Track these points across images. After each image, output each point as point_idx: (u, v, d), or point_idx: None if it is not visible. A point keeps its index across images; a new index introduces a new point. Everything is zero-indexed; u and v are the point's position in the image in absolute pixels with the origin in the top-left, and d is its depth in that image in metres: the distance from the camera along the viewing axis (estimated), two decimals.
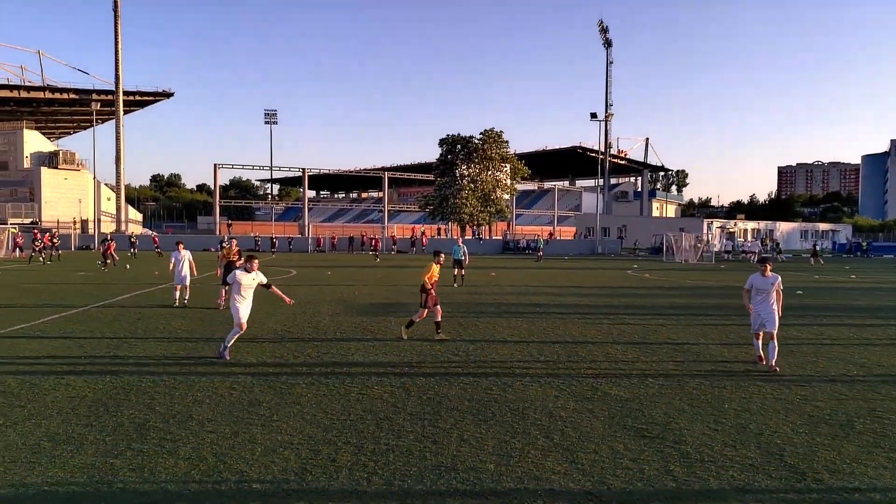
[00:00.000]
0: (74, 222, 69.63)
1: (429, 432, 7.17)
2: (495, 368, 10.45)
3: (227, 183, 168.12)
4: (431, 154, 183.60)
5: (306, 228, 75.42)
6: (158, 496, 5.43)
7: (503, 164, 72.50)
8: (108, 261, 34.41)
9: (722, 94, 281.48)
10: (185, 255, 18.61)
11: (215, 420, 7.54)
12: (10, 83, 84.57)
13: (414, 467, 6.15)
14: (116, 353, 11.39)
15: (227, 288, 16.63)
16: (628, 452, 6.63)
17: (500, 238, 75.68)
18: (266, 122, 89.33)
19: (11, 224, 59.45)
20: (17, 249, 45.83)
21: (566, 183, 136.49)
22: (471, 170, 70.81)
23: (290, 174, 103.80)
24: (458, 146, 71.28)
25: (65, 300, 19.27)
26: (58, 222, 69.77)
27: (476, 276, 30.62)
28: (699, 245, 52.34)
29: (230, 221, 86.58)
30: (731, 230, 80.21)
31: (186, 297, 18.45)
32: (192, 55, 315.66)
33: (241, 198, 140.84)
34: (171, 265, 18.66)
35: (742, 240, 73.11)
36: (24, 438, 6.81)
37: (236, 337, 11.13)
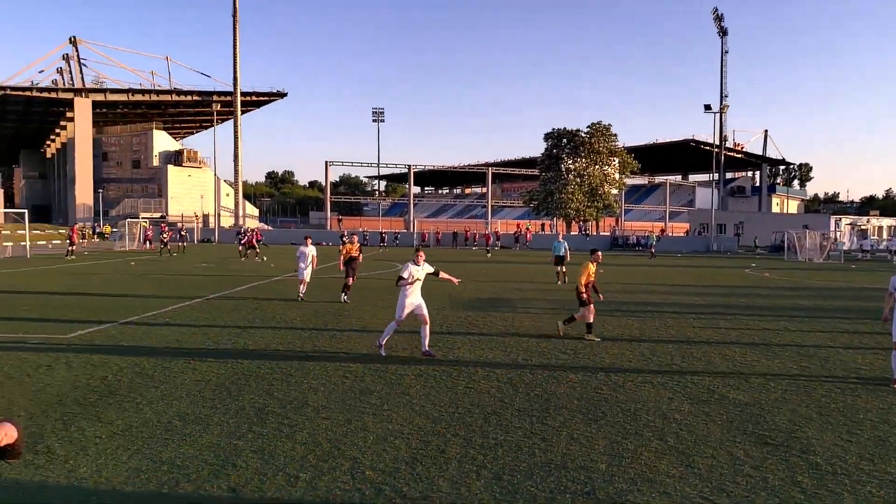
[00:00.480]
0: (196, 217, 74.46)
1: (537, 429, 7.11)
2: (605, 367, 10.20)
3: (337, 179, 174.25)
4: (536, 149, 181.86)
5: (412, 224, 76.84)
6: (278, 478, 5.69)
7: (611, 158, 70.65)
8: (250, 250, 36.92)
9: (848, 79, 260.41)
10: (310, 250, 18.65)
11: (329, 407, 7.81)
12: (143, 87, 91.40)
13: (523, 463, 6.11)
14: (237, 340, 12.06)
15: (349, 282, 17.69)
16: (749, 459, 6.28)
17: (608, 234, 73.92)
18: (374, 120, 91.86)
19: (142, 218, 64.27)
20: (147, 242, 49.55)
21: (678, 177, 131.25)
22: (577, 164, 69.48)
23: (396, 171, 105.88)
24: (564, 140, 70.15)
25: (190, 290, 20.63)
26: (182, 216, 74.94)
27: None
28: (825, 243, 48.90)
29: (340, 217, 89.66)
30: (863, 227, 74.35)
31: (302, 293, 18.34)
32: (304, 56, 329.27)
33: (350, 194, 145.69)
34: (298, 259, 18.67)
35: (877, 237, 67.59)
36: (159, 417, 7.34)
37: (392, 332, 10.99)
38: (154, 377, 9.11)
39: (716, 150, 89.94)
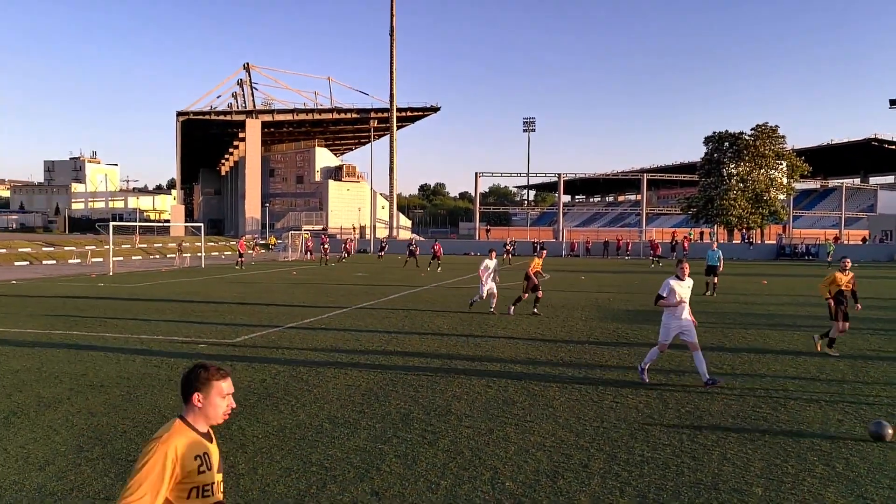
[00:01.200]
0: (354, 229, 78.45)
1: (687, 447, 6.66)
2: (765, 384, 9.38)
3: (487, 190, 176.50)
4: (695, 154, 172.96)
5: (560, 233, 75.81)
6: (420, 483, 5.76)
7: (778, 162, 65.43)
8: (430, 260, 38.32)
9: None
10: (493, 263, 17.91)
11: (472, 416, 7.82)
12: (306, 107, 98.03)
13: (670, 482, 5.74)
14: (386, 347, 12.47)
15: (524, 296, 17.66)
16: None
17: (774, 242, 68.38)
18: (524, 130, 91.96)
19: (305, 230, 68.72)
20: (308, 252, 52.91)
21: (856, 180, 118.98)
22: (740, 168, 65.07)
23: (546, 180, 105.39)
24: (726, 143, 65.99)
25: (344, 298, 21.70)
26: (341, 229, 79.24)
27: (745, 284, 28.09)
28: None
29: (489, 227, 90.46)
30: None
31: (493, 305, 17.77)
32: (456, 68, 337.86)
33: (499, 204, 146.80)
34: (482, 272, 17.91)
35: None
36: (311, 419, 7.73)
37: (656, 357, 9.77)
38: (308, 381, 9.63)
39: None
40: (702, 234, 76.92)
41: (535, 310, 17.28)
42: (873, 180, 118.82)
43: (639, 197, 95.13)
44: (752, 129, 65.21)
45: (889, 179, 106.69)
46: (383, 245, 56.47)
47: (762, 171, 64.77)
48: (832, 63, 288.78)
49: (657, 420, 7.64)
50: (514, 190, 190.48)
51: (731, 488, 5.61)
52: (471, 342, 12.97)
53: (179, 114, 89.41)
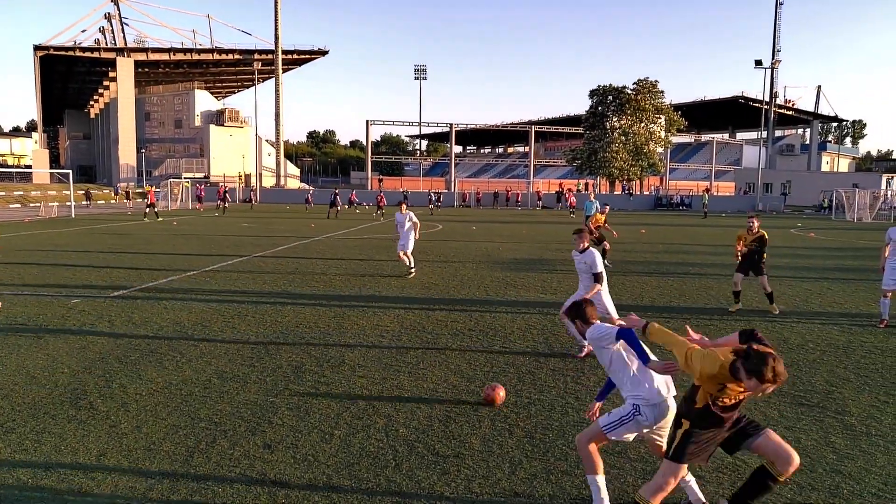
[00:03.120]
0: (239, 177, 75.38)
1: (571, 388, 7.03)
2: None
3: (379, 139, 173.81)
4: (580, 107, 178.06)
5: (453, 183, 76.50)
6: (313, 434, 5.75)
7: (657, 116, 68.69)
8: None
9: None
10: (408, 215, 15.64)
11: (365, 366, 7.85)
12: (184, 47, 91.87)
13: (556, 422, 6.04)
14: (276, 299, 12.20)
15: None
16: (783, 420, 6.14)
17: (652, 193, 72.39)
18: (416, 78, 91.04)
19: (185, 178, 65.35)
20: (198, 201, 50.45)
21: (725, 136, 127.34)
22: (622, 122, 67.84)
23: (438, 130, 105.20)
24: (610, 97, 68.42)
25: (230, 249, 20.95)
26: (224, 177, 75.92)
27: (625, 233, 29.62)
28: (875, 202, 46.99)
29: (381, 177, 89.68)
30: None
31: (412, 267, 15.44)
32: (346, 12, 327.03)
33: (391, 153, 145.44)
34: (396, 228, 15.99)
35: None
36: (198, 375, 7.47)
37: None
38: (193, 336, 9.28)
39: (765, 106, 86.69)
40: (586, 185, 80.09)
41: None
42: (740, 136, 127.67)
43: (527, 149, 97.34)
44: (634, 84, 67.87)
45: (753, 135, 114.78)
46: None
47: (642, 124, 67.85)
48: (707, 22, 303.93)
49: (543, 364, 7.99)
50: (407, 139, 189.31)
51: None
52: (364, 293, 12.94)
53: (37, 48, 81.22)
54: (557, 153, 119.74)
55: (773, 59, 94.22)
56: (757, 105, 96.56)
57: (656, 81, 68.01)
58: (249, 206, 50.62)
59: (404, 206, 15.95)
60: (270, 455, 5.33)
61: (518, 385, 7.15)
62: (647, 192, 74.72)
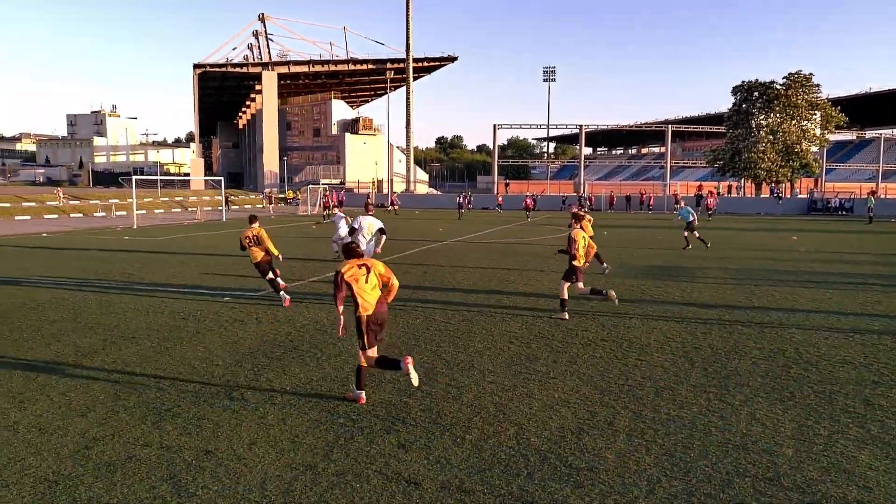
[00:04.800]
0: (372, 183, 78.18)
1: (714, 406, 6.64)
2: (795, 344, 9.29)
3: (505, 143, 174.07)
4: (722, 105, 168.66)
5: (582, 186, 75.06)
6: (445, 437, 5.82)
7: (811, 112, 63.42)
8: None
9: None
10: (368, 222, 14.90)
11: (495, 371, 7.86)
12: (322, 59, 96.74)
13: (697, 441, 5.74)
14: (407, 303, 12.50)
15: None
16: None
17: (805, 196, 67.06)
18: (544, 80, 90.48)
19: (322, 184, 68.63)
20: (325, 208, 52.93)
21: (895, 132, 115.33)
22: (770, 119, 63.34)
23: (567, 132, 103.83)
24: (756, 93, 64.12)
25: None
26: (358, 183, 79.03)
27: (774, 240, 27.71)
28: None
29: (507, 181, 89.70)
30: None
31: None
32: (473, 18, 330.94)
33: (518, 157, 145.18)
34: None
35: None
36: (336, 372, 7.82)
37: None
38: (331, 335, 9.71)
39: None
40: (729, 187, 75.62)
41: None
42: None
43: (663, 149, 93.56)
44: (784, 78, 63.28)
45: None
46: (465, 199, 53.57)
47: (794, 121, 63.02)
48: (872, 6, 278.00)
49: (683, 379, 7.62)
50: (534, 142, 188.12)
51: (760, 449, 5.59)
52: (492, 298, 12.98)
53: (196, 66, 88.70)
54: (696, 154, 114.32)
55: None
56: None
57: (811, 74, 62.82)
58: (394, 212, 52.50)
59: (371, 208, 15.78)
60: (405, 454, 5.46)
61: (655, 400, 6.86)
62: (800, 195, 69.25)
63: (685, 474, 5.10)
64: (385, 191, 74.88)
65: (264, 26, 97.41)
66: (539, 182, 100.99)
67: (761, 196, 65.24)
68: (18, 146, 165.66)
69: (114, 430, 5.95)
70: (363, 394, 6.71)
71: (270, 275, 12.44)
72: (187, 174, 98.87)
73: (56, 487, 4.84)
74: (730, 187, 75.98)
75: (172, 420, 6.20)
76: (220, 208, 45.87)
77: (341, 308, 6.66)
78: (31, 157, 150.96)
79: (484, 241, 27.00)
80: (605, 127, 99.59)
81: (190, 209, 53.40)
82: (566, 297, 11.11)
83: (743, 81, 65.37)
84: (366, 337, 6.61)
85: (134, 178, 40.76)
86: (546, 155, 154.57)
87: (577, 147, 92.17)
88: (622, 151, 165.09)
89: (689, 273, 16.83)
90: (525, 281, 15.26)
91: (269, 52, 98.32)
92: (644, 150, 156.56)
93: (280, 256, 12.80)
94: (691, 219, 23.41)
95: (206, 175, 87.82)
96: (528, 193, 62.28)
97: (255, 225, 12.64)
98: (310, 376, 7.62)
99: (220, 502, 4.63)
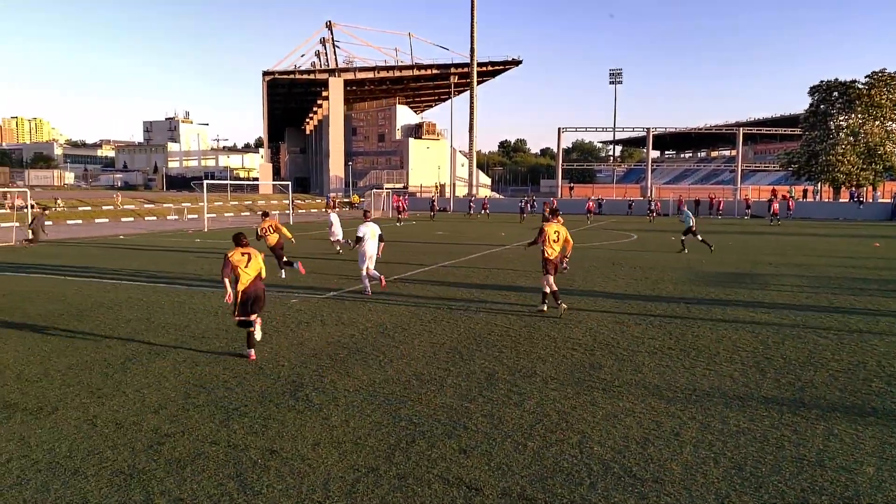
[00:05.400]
0: (435, 187, 78.60)
1: (787, 420, 6.36)
2: (877, 357, 8.82)
3: (570, 146, 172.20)
4: (796, 106, 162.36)
5: (648, 190, 73.49)
6: (507, 443, 5.78)
7: None
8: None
9: None
10: (371, 229, 13.89)
11: (557, 379, 7.76)
12: (387, 65, 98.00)
13: (769, 455, 5.50)
14: (469, 307, 12.50)
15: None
16: None
17: (889, 201, 63.58)
18: (611, 83, 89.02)
19: (386, 188, 69.50)
20: (398, 211, 53.43)
21: None
22: (851, 120, 60.46)
23: (633, 134, 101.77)
24: (835, 93, 61.30)
25: (426, 257, 21.86)
26: (420, 187, 79.57)
27: (855, 246, 26.45)
28: None
29: (572, 184, 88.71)
30: None
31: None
32: (539, 21, 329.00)
33: (582, 160, 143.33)
34: None
35: None
36: (399, 375, 7.88)
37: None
38: (394, 338, 9.81)
39: None
40: (805, 191, 72.55)
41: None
42: None
43: (733, 152, 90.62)
44: (866, 77, 60.32)
45: None
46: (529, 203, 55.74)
47: (877, 122, 60.00)
48: None
49: (754, 390, 7.33)
50: (599, 145, 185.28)
51: (838, 466, 5.32)
52: (550, 303, 12.81)
53: (265, 74, 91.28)
54: (769, 157, 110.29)
55: None
56: None
57: None
58: (486, 214, 53.24)
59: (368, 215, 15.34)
60: (466, 460, 5.44)
61: (724, 411, 6.63)
62: (882, 200, 65.72)
63: (756, 490, 4.90)
64: (447, 195, 75.17)
65: (331, 33, 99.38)
66: (604, 186, 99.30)
67: (840, 200, 62.32)
68: (99, 152, 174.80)
69: (184, 427, 6.15)
70: (252, 352, 8.67)
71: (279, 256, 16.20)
72: (256, 179, 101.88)
73: (131, 480, 5.04)
74: (805, 191, 72.89)
75: (240, 419, 6.37)
76: (287, 212, 47.07)
77: (227, 281, 8.87)
78: (111, 162, 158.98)
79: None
80: (674, 129, 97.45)
81: (258, 212, 54.95)
82: (548, 290, 11.69)
83: (821, 81, 62.77)
84: (238, 305, 8.66)
85: (205, 182, 42.25)
86: (612, 158, 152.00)
87: (644, 150, 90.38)
88: (691, 154, 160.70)
89: (761, 280, 16.22)
90: (589, 287, 15.02)
91: (335, 58, 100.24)
92: (714, 154, 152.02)
93: (293, 240, 17.01)
94: (691, 223, 23.60)
95: (274, 180, 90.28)
96: (592, 197, 61.29)
97: (269, 218, 16.57)
98: (372, 378, 7.70)
99: (284, 501, 4.72)
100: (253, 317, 8.68)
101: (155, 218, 48.59)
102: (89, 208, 48.45)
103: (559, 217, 12.83)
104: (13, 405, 6.78)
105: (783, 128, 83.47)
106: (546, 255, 11.64)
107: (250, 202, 62.88)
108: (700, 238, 23.65)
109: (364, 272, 13.73)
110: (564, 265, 15.93)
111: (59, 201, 49.38)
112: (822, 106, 62.44)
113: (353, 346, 9.28)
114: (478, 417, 6.43)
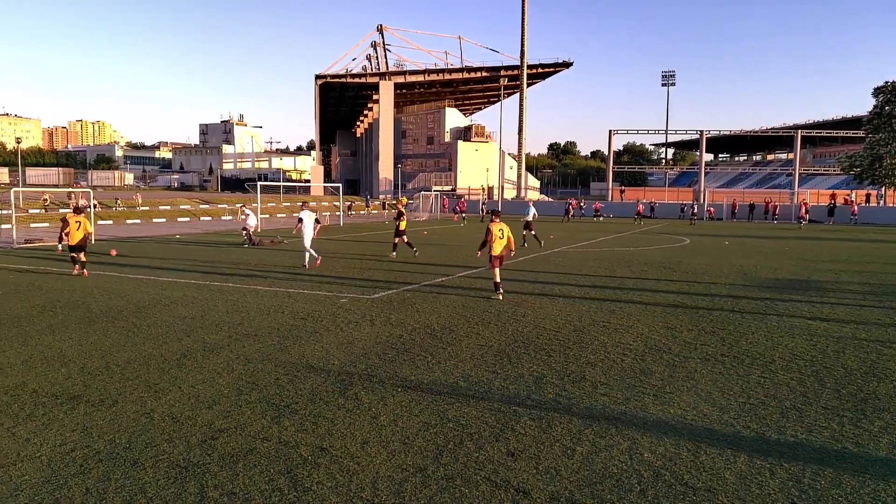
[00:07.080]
0: (483, 189, 78.53)
1: (849, 432, 6.14)
2: None
3: (621, 148, 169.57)
4: (859, 108, 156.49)
5: (701, 194, 71.89)
6: (555, 447, 5.73)
7: None
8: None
9: None
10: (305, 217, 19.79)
11: (607, 384, 7.66)
12: (437, 67, 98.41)
13: (829, 468, 5.32)
14: (516, 309, 12.45)
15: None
16: None
17: None
18: (663, 85, 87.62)
19: (434, 190, 69.76)
20: (455, 213, 53.67)
21: None
22: None
23: (686, 137, 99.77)
24: None
25: (474, 259, 21.82)
26: (469, 189, 79.61)
27: None
28: None
29: (623, 187, 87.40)
30: None
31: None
32: (589, 21, 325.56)
33: (633, 163, 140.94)
34: None
35: None
36: (446, 376, 7.90)
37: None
38: (442, 339, 9.84)
39: None
40: (868, 196, 69.91)
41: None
42: None
43: (790, 155, 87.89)
44: None
45: None
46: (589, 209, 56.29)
47: None
48: None
49: (812, 400, 7.10)
50: (651, 148, 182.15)
51: None
52: (604, 307, 12.67)
53: (318, 77, 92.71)
54: (828, 160, 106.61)
55: None
56: None
57: None
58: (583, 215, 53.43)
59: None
60: (514, 463, 5.42)
61: (781, 421, 6.44)
62: None
63: (815, 503, 4.75)
64: (496, 197, 74.97)
65: (382, 37, 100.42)
66: (656, 189, 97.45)
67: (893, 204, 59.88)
68: (157, 154, 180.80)
69: (237, 422, 6.30)
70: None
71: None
72: (308, 181, 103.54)
73: (186, 473, 5.18)
74: (868, 196, 70.22)
75: (290, 416, 6.48)
76: (338, 213, 47.72)
77: (65, 233, 16.06)
78: (168, 164, 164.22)
79: (593, 248, 26.45)
80: (728, 132, 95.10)
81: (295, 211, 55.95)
82: (498, 279, 13.67)
83: (887, 82, 60.51)
84: (70, 253, 15.99)
85: (259, 184, 43.21)
86: (664, 161, 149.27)
87: (698, 153, 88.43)
88: (746, 158, 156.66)
89: (820, 287, 15.70)
90: (639, 293, 14.79)
91: (386, 62, 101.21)
92: (770, 157, 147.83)
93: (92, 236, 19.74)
94: (530, 218, 27.01)
95: (325, 182, 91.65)
96: (643, 200, 60.28)
97: (78, 214, 17.90)
98: (420, 379, 7.75)
99: (333, 498, 4.79)
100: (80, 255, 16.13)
101: (210, 218, 49.91)
102: (147, 208, 50.07)
103: (498, 217, 14.09)
104: (77, 396, 7.05)
105: (844, 130, 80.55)
106: (492, 251, 13.50)
107: (301, 203, 64.06)
108: (533, 233, 26.75)
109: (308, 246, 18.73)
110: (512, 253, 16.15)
111: (118, 201, 51.22)
112: (887, 107, 60.13)
113: (401, 346, 9.35)
114: (525, 421, 6.40)
